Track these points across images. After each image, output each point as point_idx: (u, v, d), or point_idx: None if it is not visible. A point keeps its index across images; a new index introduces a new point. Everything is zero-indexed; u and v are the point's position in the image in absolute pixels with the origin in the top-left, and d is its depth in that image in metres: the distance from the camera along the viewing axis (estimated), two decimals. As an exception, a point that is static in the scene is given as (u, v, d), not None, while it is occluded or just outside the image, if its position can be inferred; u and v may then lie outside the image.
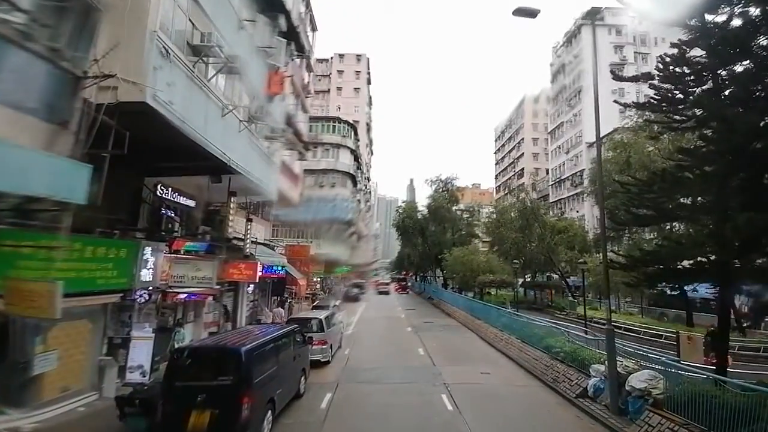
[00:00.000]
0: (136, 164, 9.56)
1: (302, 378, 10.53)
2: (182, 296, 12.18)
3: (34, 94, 6.06)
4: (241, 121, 11.66)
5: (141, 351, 9.93)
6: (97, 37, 6.93)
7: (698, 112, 9.81)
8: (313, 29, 27.84)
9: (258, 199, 17.69)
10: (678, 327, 21.55)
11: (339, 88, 62.98)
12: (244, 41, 11.62)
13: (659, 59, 10.11)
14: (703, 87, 9.61)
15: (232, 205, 13.68)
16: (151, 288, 10.40)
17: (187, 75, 8.66)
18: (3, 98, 5.53)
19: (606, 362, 9.59)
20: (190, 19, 8.97)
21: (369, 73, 66.92)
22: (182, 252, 12.02)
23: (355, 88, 63.34)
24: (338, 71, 63.68)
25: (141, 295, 10.15)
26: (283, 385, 8.74)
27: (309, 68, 28.24)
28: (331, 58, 64.30)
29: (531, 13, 10.09)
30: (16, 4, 5.56)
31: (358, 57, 65.22)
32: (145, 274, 10.01)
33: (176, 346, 10.99)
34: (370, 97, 70.70)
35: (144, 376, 9.76)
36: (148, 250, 10.09)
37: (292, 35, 16.48)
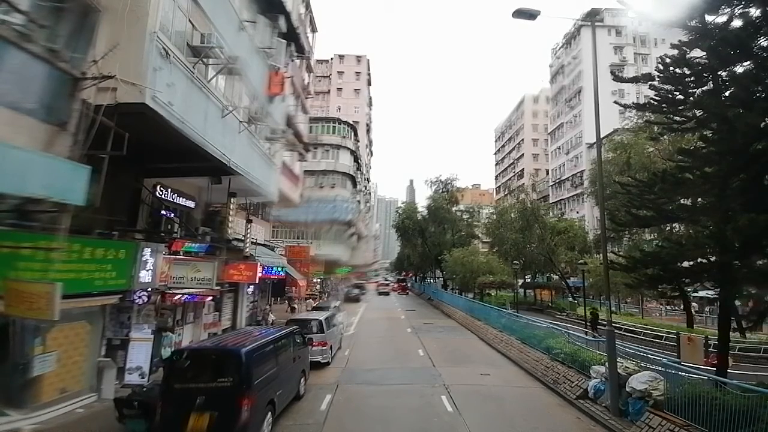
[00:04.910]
0: (136, 165, 9.55)
1: (302, 379, 10.51)
2: (182, 297, 12.15)
3: (33, 95, 6.04)
4: (241, 122, 11.65)
5: (140, 352, 9.89)
6: (96, 38, 6.92)
7: (698, 112, 9.79)
8: (313, 30, 27.91)
9: (258, 200, 17.68)
10: (678, 328, 21.56)
11: (339, 89, 63.01)
12: (244, 42, 11.61)
13: (659, 60, 10.09)
14: (704, 88, 9.59)
15: (231, 206, 13.65)
16: (150, 289, 10.36)
17: (186, 76, 8.65)
18: (1, 99, 5.52)
19: (606, 363, 9.57)
20: (189, 20, 8.97)
21: (369, 74, 66.96)
22: (182, 253, 12.00)
23: (355, 89, 63.36)
24: (338, 72, 63.70)
25: (140, 297, 10.11)
26: (283, 386, 8.71)
27: (309, 69, 28.31)
28: (331, 59, 64.34)
29: (531, 15, 10.09)
30: (15, 5, 5.54)
31: (358, 58, 65.25)
32: (144, 276, 9.99)
33: (163, 351, 10.93)
34: (370, 98, 70.74)
35: (143, 378, 9.73)
36: (147, 251, 10.07)
37: (292, 36, 16.48)
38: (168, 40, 7.84)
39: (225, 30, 9.99)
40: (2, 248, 6.50)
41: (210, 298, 14.15)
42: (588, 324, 22.14)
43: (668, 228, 20.03)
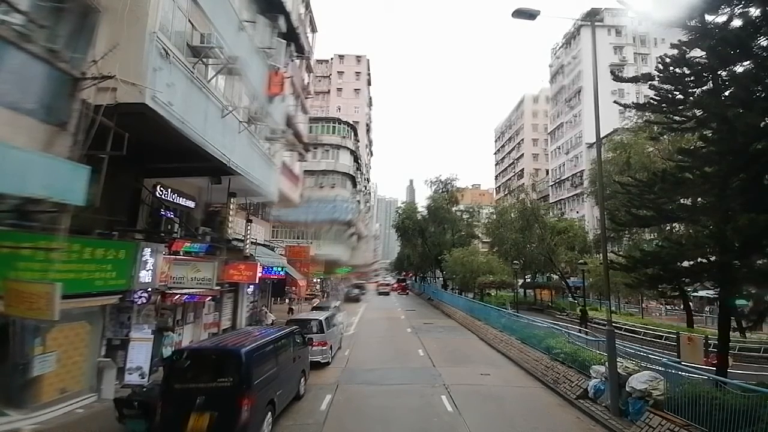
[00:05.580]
0: (136, 165, 9.56)
1: (302, 379, 10.50)
2: (182, 297, 12.15)
3: (33, 95, 6.04)
4: (240, 122, 11.65)
5: (140, 352, 9.88)
6: (95, 38, 6.92)
7: (698, 112, 9.79)
8: (313, 30, 27.92)
9: (258, 200, 17.68)
10: (678, 328, 21.57)
11: (339, 89, 63.03)
12: (244, 42, 11.61)
13: (659, 60, 10.09)
14: (703, 87, 9.59)
15: (231, 206, 13.66)
16: (150, 289, 10.36)
17: (186, 76, 8.65)
18: (2, 99, 5.52)
19: (606, 363, 9.57)
20: (189, 20, 8.97)
21: (369, 74, 66.98)
22: (182, 253, 11.99)
23: (355, 89, 63.38)
24: (338, 72, 63.73)
25: (140, 297, 10.11)
26: (283, 386, 8.71)
27: (309, 69, 28.31)
28: (331, 59, 64.36)
29: (530, 15, 10.09)
30: (15, 5, 5.54)
31: (358, 58, 65.27)
32: (144, 276, 9.99)
33: (164, 350, 10.93)
34: (370, 98, 70.75)
35: (143, 378, 9.72)
36: (147, 252, 10.07)
37: (291, 36, 16.48)
38: (168, 40, 7.84)
39: (225, 30, 9.99)
40: (2, 248, 6.50)
41: (210, 298, 14.15)
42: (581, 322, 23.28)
43: (668, 228, 20.04)
